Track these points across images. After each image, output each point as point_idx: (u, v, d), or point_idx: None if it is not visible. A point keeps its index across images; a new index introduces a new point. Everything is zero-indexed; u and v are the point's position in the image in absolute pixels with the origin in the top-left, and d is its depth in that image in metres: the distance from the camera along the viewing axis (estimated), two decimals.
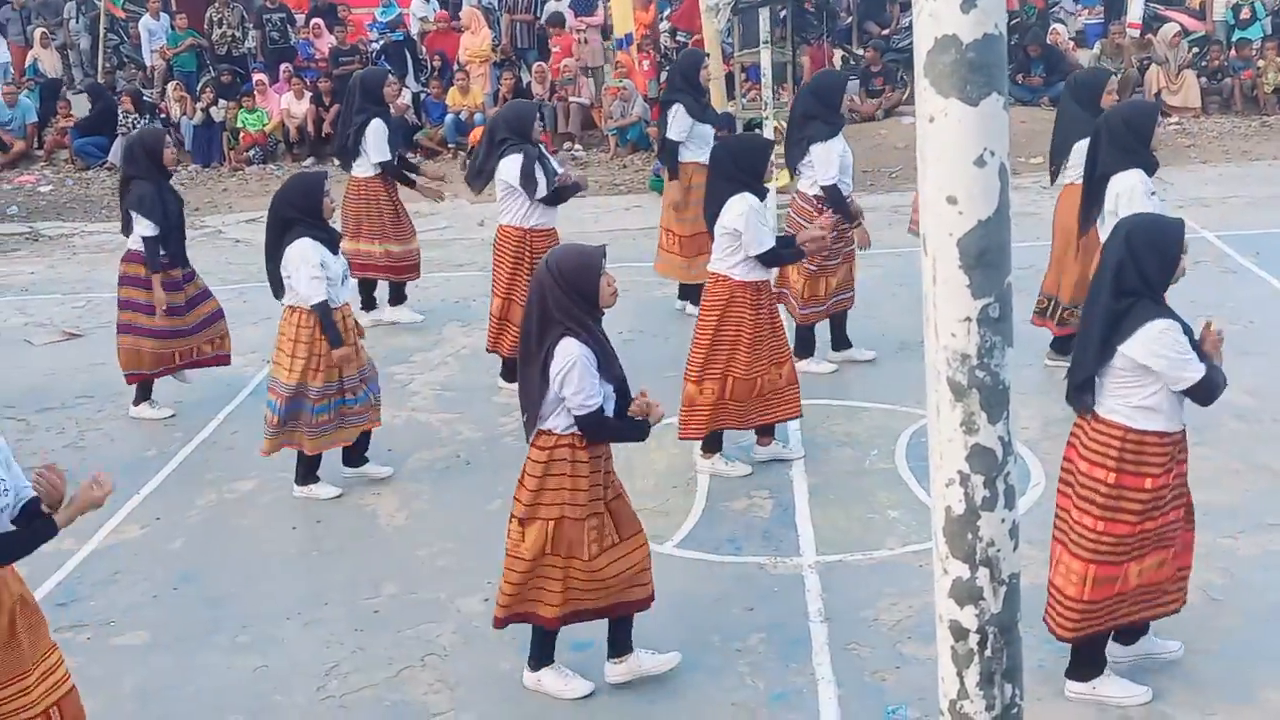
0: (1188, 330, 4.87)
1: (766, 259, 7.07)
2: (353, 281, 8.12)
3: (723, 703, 5.33)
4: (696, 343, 7.25)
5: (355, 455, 7.57)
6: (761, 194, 7.17)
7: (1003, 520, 1.73)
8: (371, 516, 7.22)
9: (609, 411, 5.13)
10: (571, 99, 17.11)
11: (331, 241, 7.21)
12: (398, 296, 10.57)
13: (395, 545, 6.87)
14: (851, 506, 6.99)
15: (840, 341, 9.07)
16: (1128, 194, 7.13)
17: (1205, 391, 4.85)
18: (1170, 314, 4.87)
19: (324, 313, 7.06)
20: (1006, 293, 1.73)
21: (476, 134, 15.00)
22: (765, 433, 7.50)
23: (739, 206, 6.99)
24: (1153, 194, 7.26)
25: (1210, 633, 5.56)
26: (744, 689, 5.42)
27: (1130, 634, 5.29)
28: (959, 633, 1.77)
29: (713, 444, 7.43)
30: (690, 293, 9.96)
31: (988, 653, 1.75)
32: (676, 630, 5.87)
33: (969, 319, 1.70)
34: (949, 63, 1.65)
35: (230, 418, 8.72)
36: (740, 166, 7.09)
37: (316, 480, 7.43)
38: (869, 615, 5.90)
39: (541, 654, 5.41)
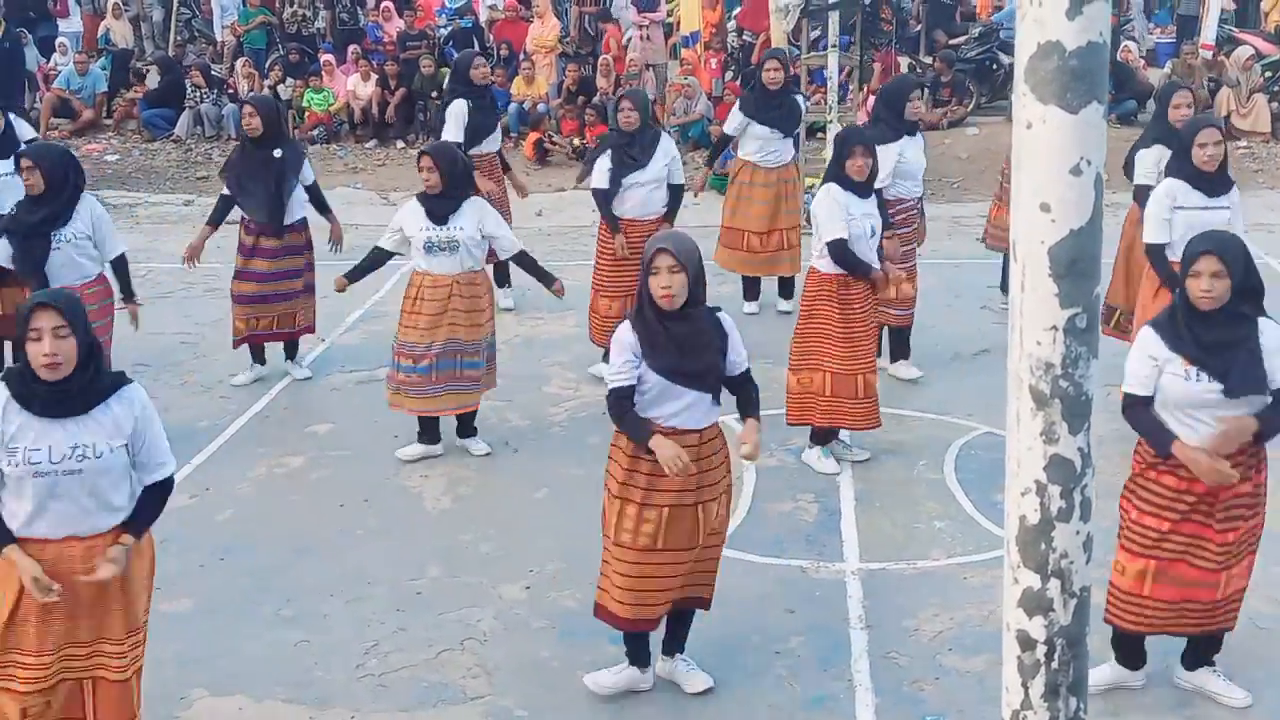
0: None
1: (832, 252, 7.06)
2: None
3: (759, 704, 5.32)
4: (795, 332, 7.40)
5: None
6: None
7: (1077, 532, 1.72)
8: (417, 499, 7.25)
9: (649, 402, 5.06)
10: None
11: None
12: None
13: (440, 529, 6.90)
14: (897, 515, 6.96)
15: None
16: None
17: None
18: (1157, 321, 4.88)
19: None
20: (1095, 303, 1.71)
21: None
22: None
23: (820, 195, 7.21)
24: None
25: (1256, 663, 5.50)
26: (781, 691, 5.40)
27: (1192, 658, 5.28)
28: (1026, 643, 1.76)
29: (822, 435, 7.46)
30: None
31: (1054, 665, 1.74)
32: (717, 629, 5.86)
33: (1055, 328, 1.68)
34: (1051, 69, 1.63)
35: (283, 393, 8.79)
36: (833, 157, 7.35)
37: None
38: (910, 625, 5.88)
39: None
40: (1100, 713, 5.14)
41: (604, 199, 8.65)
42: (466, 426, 7.79)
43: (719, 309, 5.15)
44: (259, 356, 9.00)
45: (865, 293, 7.23)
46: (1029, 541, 1.74)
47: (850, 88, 15.93)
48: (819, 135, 14.26)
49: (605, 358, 8.64)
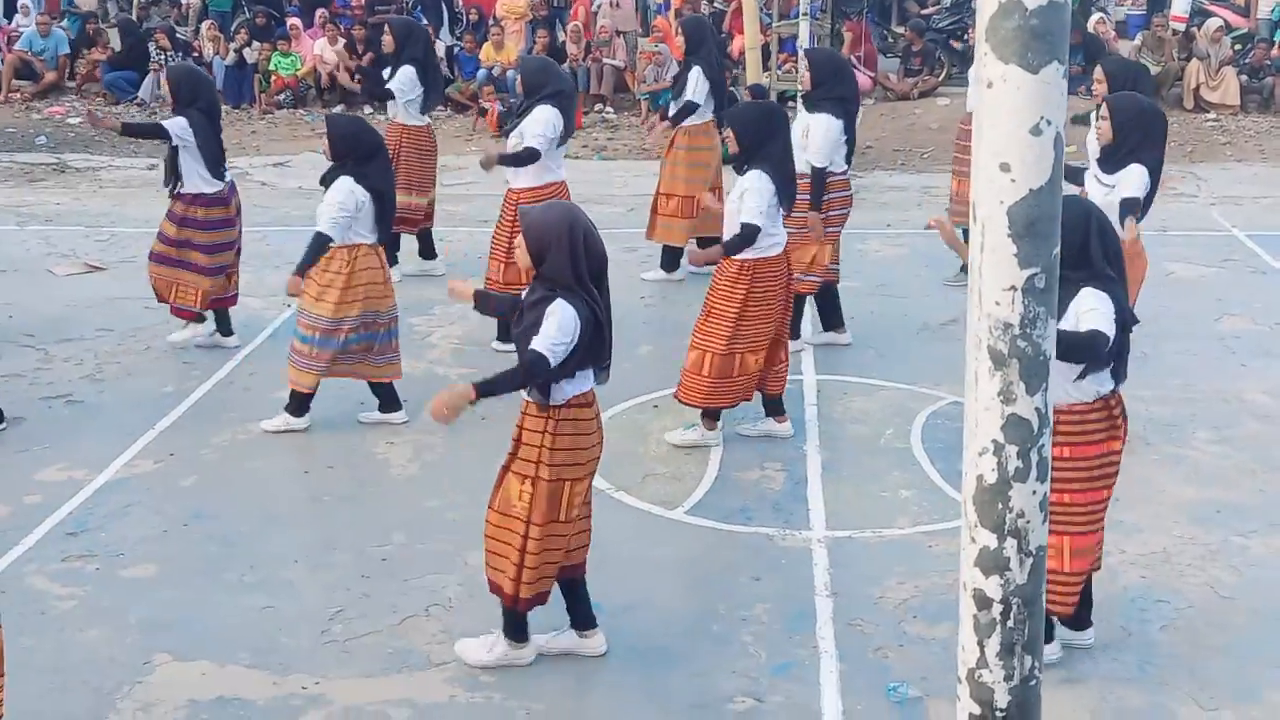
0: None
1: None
2: None
3: (725, 670, 5.33)
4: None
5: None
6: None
7: (1034, 492, 1.72)
8: (384, 465, 7.23)
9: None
10: (605, 61, 17.04)
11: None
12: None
13: (406, 495, 6.88)
14: (863, 484, 6.98)
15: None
16: None
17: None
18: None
19: None
20: (1054, 264, 1.70)
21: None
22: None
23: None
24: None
25: (1218, 630, 5.55)
26: (747, 658, 5.42)
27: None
28: (983, 602, 1.76)
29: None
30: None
31: (1010, 623, 1.74)
32: (683, 596, 5.89)
33: (1014, 288, 1.68)
34: (1012, 28, 1.62)
35: (248, 359, 8.74)
36: None
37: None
38: (875, 593, 5.90)
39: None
40: (1054, 674, 5.19)
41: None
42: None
43: (575, 301, 4.97)
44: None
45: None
46: (986, 501, 1.74)
47: None
48: (790, 103, 14.25)
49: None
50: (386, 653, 5.43)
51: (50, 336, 9.09)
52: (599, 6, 17.96)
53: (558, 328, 4.89)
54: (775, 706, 5.11)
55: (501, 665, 5.30)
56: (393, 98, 9.86)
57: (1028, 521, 1.73)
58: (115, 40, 18.50)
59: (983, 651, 1.77)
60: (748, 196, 6.99)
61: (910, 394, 8.14)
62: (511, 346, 5.34)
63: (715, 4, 17.84)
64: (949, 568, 6.08)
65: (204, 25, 18.47)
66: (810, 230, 8.27)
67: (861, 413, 7.88)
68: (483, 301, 5.60)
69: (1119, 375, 5.04)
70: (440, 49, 16.82)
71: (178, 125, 8.31)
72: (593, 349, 5.03)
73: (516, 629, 5.31)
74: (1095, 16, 17.50)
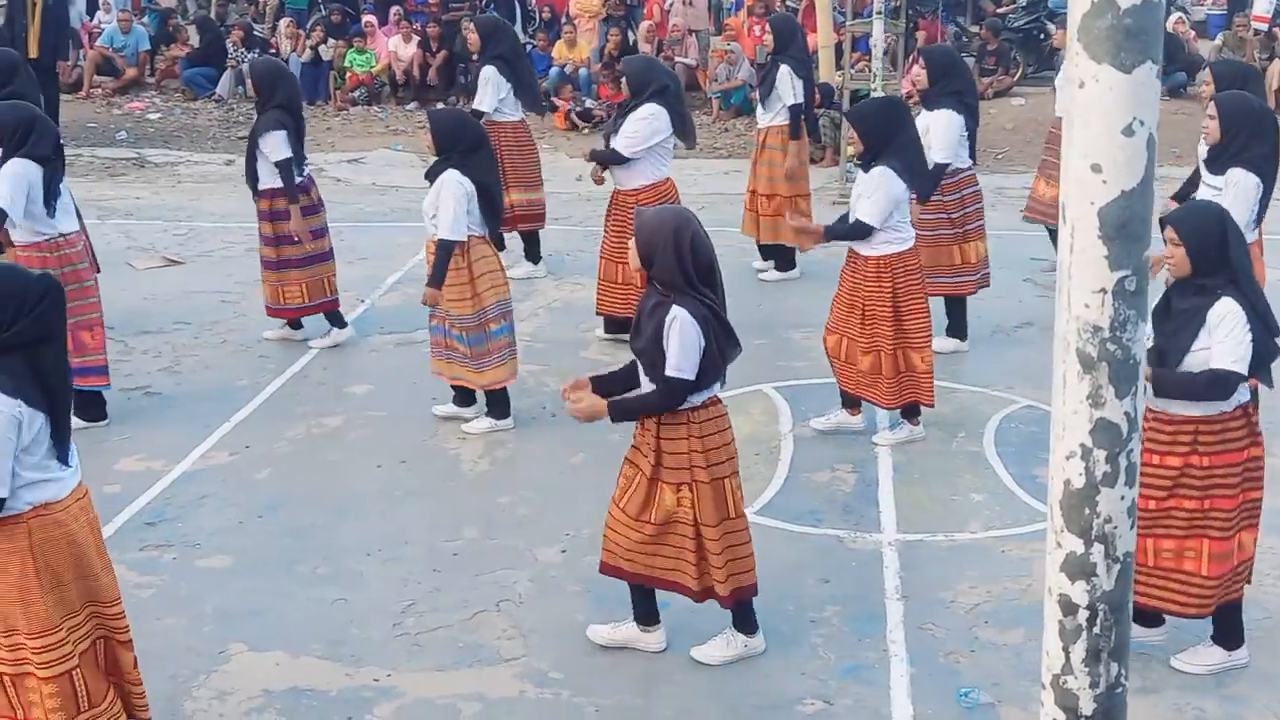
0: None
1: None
2: None
3: (793, 671, 5.32)
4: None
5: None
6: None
7: (1122, 497, 1.69)
8: (455, 461, 7.27)
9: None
10: (677, 59, 17.04)
11: None
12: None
13: (477, 491, 6.93)
14: (935, 487, 6.93)
15: None
16: None
17: None
18: None
19: None
20: (1145, 266, 1.68)
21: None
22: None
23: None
24: None
25: None
26: (815, 660, 5.40)
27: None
28: (1068, 607, 1.74)
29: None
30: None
31: (1096, 630, 1.72)
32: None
33: (1104, 290, 1.66)
34: (1104, 27, 1.60)
35: (323, 354, 8.82)
36: None
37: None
38: (946, 597, 5.85)
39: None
40: (1139, 685, 5.12)
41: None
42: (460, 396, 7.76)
43: (689, 306, 4.97)
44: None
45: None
46: (1073, 506, 1.72)
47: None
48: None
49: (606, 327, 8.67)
50: (457, 647, 5.47)
51: (129, 329, 9.23)
52: (671, 4, 17.95)
53: (681, 345, 4.93)
54: (844, 709, 5.08)
55: (742, 657, 5.37)
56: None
57: (1115, 527, 1.71)
58: (194, 37, 18.75)
59: (1068, 657, 1.75)
60: (871, 194, 6.98)
61: (983, 397, 8.07)
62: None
63: (788, 2, 17.76)
64: (1021, 573, 6.03)
65: (283, 23, 18.68)
66: None
67: (934, 415, 7.80)
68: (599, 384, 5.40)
69: (1268, 381, 5.04)
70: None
71: (274, 140, 8.40)
72: (721, 345, 5.06)
73: (745, 619, 5.38)
74: (1174, 16, 17.24)
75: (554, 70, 17.16)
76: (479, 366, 7.46)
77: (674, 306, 4.96)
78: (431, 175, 7.32)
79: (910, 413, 7.42)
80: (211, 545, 6.30)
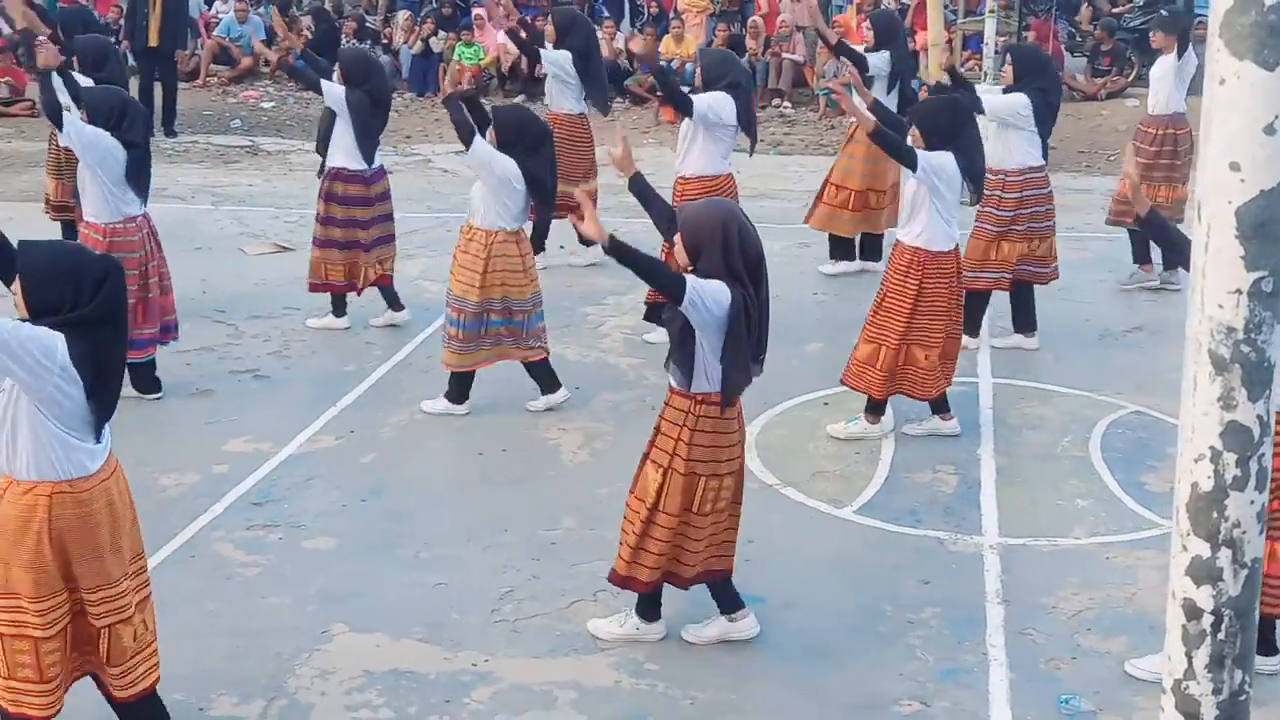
0: None
1: None
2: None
3: (890, 672, 5.28)
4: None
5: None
6: None
7: (1251, 502, 1.66)
8: (555, 451, 7.32)
9: None
10: (785, 55, 16.98)
11: None
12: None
13: (576, 481, 6.96)
14: (1039, 491, 6.83)
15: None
16: None
17: None
18: None
19: None
20: None
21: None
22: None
23: None
24: None
25: None
26: (913, 661, 5.36)
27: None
28: (1192, 612, 1.71)
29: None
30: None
31: (1221, 635, 1.69)
32: (849, 595, 5.84)
33: (1239, 291, 1.63)
34: (1248, 24, 1.57)
35: (427, 342, 8.92)
36: None
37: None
38: (1048, 602, 5.78)
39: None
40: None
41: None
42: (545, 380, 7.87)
43: (734, 292, 4.98)
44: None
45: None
46: (1200, 509, 1.69)
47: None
48: None
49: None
50: (554, 635, 5.51)
51: (240, 313, 9.41)
52: (781, 0, 17.90)
53: (706, 284, 4.92)
54: (942, 711, 5.04)
55: (629, 640, 5.41)
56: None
57: (1244, 532, 1.68)
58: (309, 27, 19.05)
59: (1190, 663, 1.72)
60: (926, 154, 6.92)
61: (1089, 401, 7.94)
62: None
63: (900, 0, 17.61)
64: (1126, 581, 5.93)
65: (401, 15, 18.91)
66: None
67: (1038, 418, 7.72)
68: (636, 182, 5.49)
69: None
70: (620, 41, 16.92)
71: (335, 91, 8.54)
72: (738, 340, 5.00)
73: (649, 608, 5.42)
74: None
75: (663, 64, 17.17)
76: (461, 348, 7.55)
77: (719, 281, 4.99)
78: None
79: (940, 407, 7.40)
80: (316, 527, 6.41)
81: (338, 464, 7.11)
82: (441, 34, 18.06)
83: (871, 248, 10.33)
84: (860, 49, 10.21)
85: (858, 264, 10.35)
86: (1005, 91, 8.52)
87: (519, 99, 17.24)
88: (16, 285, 4.20)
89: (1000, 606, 5.74)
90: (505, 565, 6.06)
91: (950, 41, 14.50)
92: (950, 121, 7.01)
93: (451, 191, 12.92)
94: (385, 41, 18.43)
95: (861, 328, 7.28)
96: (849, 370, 7.28)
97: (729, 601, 5.45)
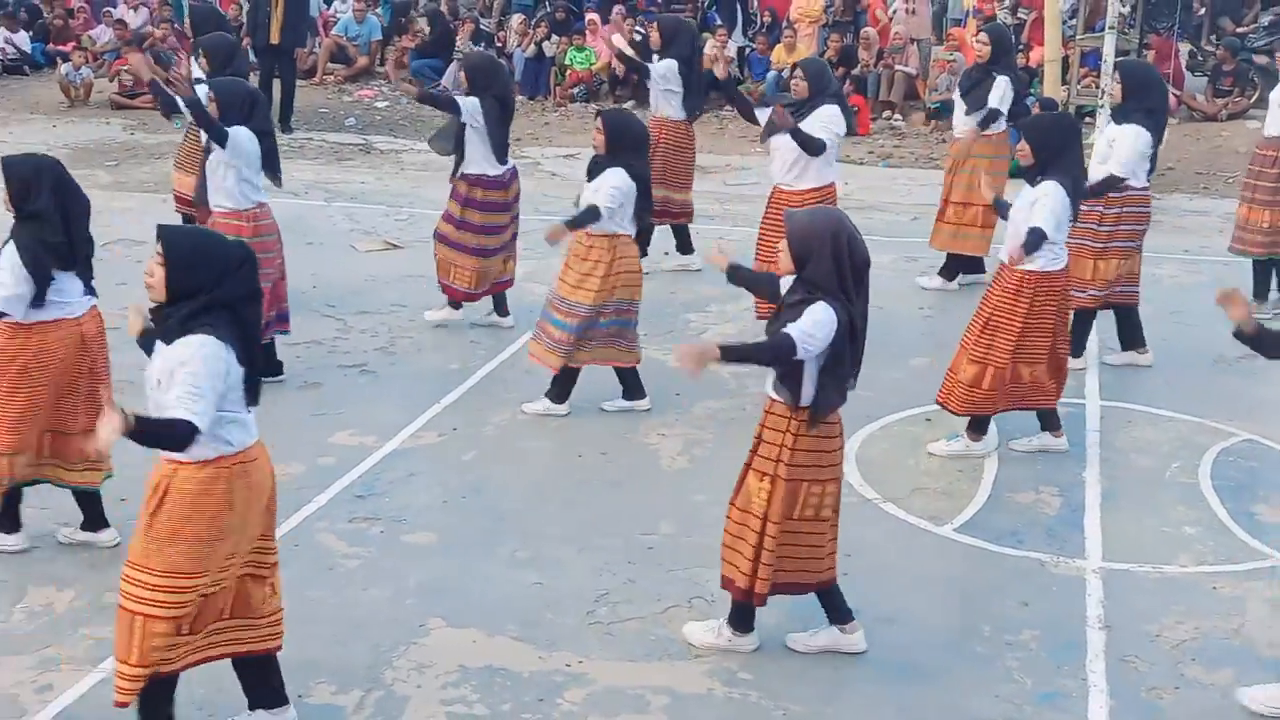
0: None
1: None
2: None
3: (986, 694, 5.22)
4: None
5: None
6: None
7: None
8: (654, 456, 7.33)
9: None
10: (898, 68, 16.85)
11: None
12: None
13: (674, 487, 6.97)
14: (1145, 516, 6.71)
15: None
16: None
17: None
18: None
19: None
20: None
21: None
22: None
23: None
24: None
25: None
26: (1010, 683, 5.29)
27: None
28: None
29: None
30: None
31: None
32: (946, 613, 5.78)
33: None
34: None
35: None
36: None
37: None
38: (1151, 630, 5.67)
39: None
40: None
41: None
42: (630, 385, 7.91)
43: (836, 305, 4.97)
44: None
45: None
46: None
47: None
48: (1088, 119, 13.81)
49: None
50: (649, 640, 5.52)
51: (349, 308, 9.56)
52: (895, 12, 17.76)
53: (814, 323, 4.95)
54: None
55: (725, 650, 5.41)
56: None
57: None
58: (425, 29, 19.29)
59: None
60: (1041, 205, 6.85)
61: (1200, 427, 7.78)
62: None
63: (1017, 14, 17.39)
64: (1233, 612, 5.81)
65: (514, 18, 19.09)
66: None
67: (1147, 443, 7.57)
68: (735, 273, 5.71)
69: None
70: (732, 49, 16.93)
71: (471, 104, 8.65)
72: (842, 357, 5.05)
73: (743, 619, 5.40)
74: None
75: (771, 74, 17.14)
76: (565, 351, 7.59)
77: (820, 300, 4.98)
78: (594, 171, 7.50)
79: (1051, 423, 7.34)
80: (417, 522, 6.48)
81: (440, 460, 7.19)
82: (554, 38, 18.19)
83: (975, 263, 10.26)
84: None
85: (956, 283, 10.25)
86: (1115, 113, 8.38)
87: (629, 104, 17.31)
88: (155, 268, 4.33)
89: (1101, 632, 5.64)
90: (602, 568, 6.09)
91: (1068, 56, 14.29)
92: (1060, 139, 6.96)
93: (560, 195, 12.99)
94: (499, 44, 18.60)
95: (959, 348, 7.19)
96: (952, 394, 7.19)
97: (841, 612, 5.44)
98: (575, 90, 17.91)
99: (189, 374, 4.27)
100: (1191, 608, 5.85)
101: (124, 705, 4.47)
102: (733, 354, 5.15)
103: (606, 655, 5.40)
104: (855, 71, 16.76)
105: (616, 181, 7.38)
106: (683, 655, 5.41)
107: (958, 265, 10.25)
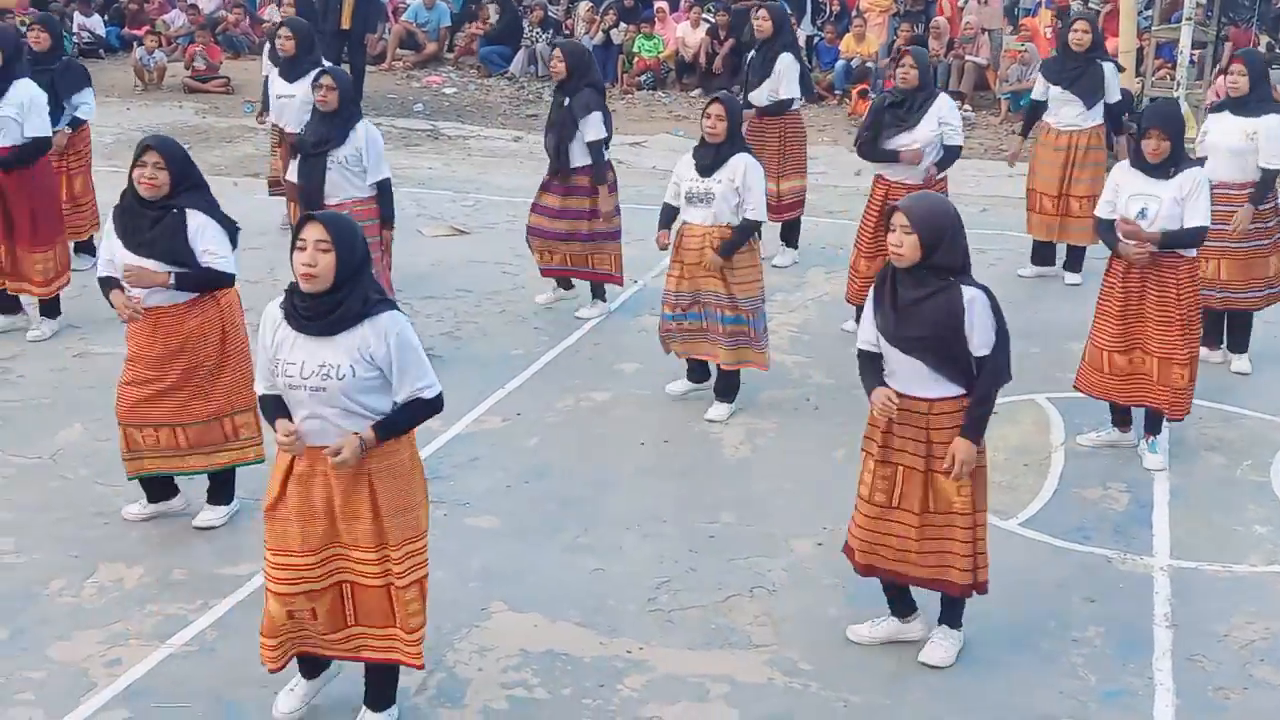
0: None
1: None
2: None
3: (1050, 689, 5.17)
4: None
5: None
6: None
7: None
8: (716, 445, 7.32)
9: None
10: (968, 57, 16.68)
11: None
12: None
13: (736, 476, 6.96)
14: (1214, 515, 6.61)
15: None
16: None
17: None
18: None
19: None
20: None
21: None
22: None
23: None
24: None
25: None
26: (1075, 680, 5.23)
27: None
28: None
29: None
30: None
31: None
32: (1011, 608, 5.71)
33: None
34: None
35: (595, 329, 9.01)
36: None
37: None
38: (1219, 629, 5.58)
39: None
40: None
41: (864, 155, 8.64)
42: (727, 386, 7.71)
43: (977, 285, 4.96)
44: (563, 283, 9.38)
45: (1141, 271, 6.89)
46: None
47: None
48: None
49: (857, 317, 8.53)
50: (709, 628, 5.51)
51: (415, 293, 9.62)
52: (966, 2, 17.59)
53: (989, 325, 4.96)
54: None
55: (890, 639, 5.42)
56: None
57: None
58: (493, 16, 19.36)
59: None
60: (1198, 196, 6.73)
61: (1272, 425, 7.66)
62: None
63: (1090, 4, 17.15)
64: None
65: (582, 6, 19.11)
66: None
67: (1218, 440, 7.46)
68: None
69: None
70: (800, 38, 16.83)
71: (589, 99, 8.71)
72: (1006, 338, 5.08)
73: (958, 615, 5.36)
74: None
75: (840, 63, 17.04)
76: (761, 347, 7.57)
77: (964, 288, 4.92)
78: (720, 160, 7.27)
79: (1124, 420, 7.30)
80: (480, 506, 6.52)
81: (503, 445, 7.22)
82: (622, 25, 18.19)
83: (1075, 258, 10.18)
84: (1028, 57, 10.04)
85: (1055, 268, 10.25)
86: (1235, 105, 8.17)
87: (695, 93, 17.28)
88: (319, 255, 4.29)
89: (1169, 630, 5.57)
90: (663, 555, 6.09)
91: (1142, 48, 14.08)
92: (1181, 124, 6.93)
93: (626, 183, 12.96)
94: (567, 32, 18.62)
95: (1160, 360, 6.97)
96: (1177, 403, 6.99)
97: (906, 604, 5.43)
98: (642, 78, 17.89)
99: (411, 349, 4.40)
100: (1261, 608, 5.75)
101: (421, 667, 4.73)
102: (980, 425, 5.05)
103: (667, 642, 5.40)
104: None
105: (760, 174, 7.34)
106: (743, 644, 5.40)
107: (1051, 252, 10.23)
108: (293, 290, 4.42)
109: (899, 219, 4.92)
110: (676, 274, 7.52)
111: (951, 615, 5.35)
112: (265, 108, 10.61)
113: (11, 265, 8.38)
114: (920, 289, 4.96)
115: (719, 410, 7.61)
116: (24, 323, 8.70)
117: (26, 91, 8.17)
